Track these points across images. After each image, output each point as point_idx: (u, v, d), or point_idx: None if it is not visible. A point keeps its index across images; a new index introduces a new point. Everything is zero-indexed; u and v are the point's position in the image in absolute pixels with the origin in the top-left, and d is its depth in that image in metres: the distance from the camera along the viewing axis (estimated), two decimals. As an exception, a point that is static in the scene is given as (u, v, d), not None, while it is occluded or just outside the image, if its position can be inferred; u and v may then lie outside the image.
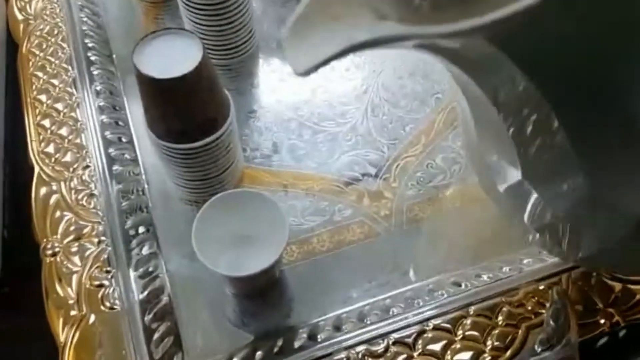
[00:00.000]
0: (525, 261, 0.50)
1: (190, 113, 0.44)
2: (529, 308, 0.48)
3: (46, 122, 0.56)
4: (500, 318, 0.47)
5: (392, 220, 0.53)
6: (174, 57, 0.42)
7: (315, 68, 0.26)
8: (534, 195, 0.38)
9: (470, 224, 0.53)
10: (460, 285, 0.48)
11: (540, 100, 0.28)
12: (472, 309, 0.47)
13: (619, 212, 0.34)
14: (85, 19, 0.63)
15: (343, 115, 0.60)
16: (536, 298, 0.48)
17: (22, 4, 0.65)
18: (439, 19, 0.22)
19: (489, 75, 0.30)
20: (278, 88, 0.62)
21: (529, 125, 0.33)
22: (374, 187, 0.55)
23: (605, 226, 0.37)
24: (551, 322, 0.46)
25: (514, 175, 0.38)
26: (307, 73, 0.27)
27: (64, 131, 0.56)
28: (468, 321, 0.46)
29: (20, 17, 0.64)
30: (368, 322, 0.46)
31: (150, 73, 0.41)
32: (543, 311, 0.48)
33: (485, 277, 0.49)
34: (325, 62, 0.26)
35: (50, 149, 0.54)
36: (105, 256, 0.48)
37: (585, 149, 0.30)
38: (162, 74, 0.41)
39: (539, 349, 0.45)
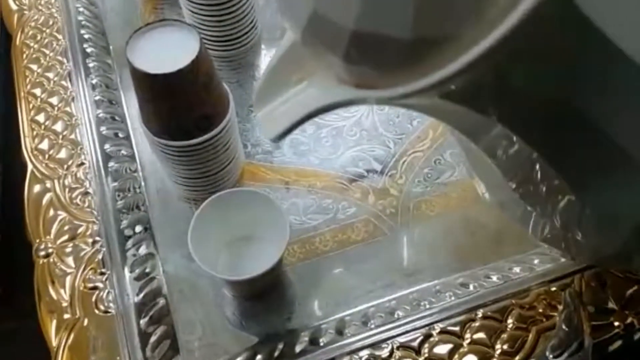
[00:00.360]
0: (536, 261, 0.48)
1: (187, 109, 0.42)
2: (540, 310, 0.46)
3: (40, 117, 0.54)
4: (510, 321, 0.45)
5: (398, 218, 0.51)
6: (170, 50, 0.40)
7: (283, 135, 0.30)
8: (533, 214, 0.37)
9: (479, 222, 0.51)
10: (468, 287, 0.46)
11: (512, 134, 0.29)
12: (480, 312, 0.45)
13: (617, 220, 0.33)
14: (81, 9, 0.61)
15: (347, 108, 0.58)
16: (547, 300, 0.46)
17: (16, -8, 0.63)
18: (393, 81, 0.24)
19: (460, 120, 0.32)
20: (280, 81, 0.60)
21: (510, 157, 0.32)
22: (379, 184, 0.53)
23: (606, 233, 0.35)
24: (563, 326, 0.44)
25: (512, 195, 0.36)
26: (277, 140, 0.30)
27: (58, 126, 0.54)
28: (476, 324, 0.45)
29: (14, 7, 0.62)
30: (372, 325, 0.44)
31: (144, 68, 0.39)
32: (555, 313, 0.46)
33: (494, 278, 0.47)
34: (290, 129, 0.29)
35: (44, 145, 0.53)
36: (100, 257, 0.47)
37: (564, 169, 0.30)
38: (157, 69, 0.39)
39: (551, 355, 0.43)
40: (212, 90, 0.43)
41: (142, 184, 0.52)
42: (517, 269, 0.47)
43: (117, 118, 0.55)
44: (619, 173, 0.30)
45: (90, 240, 0.47)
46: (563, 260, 0.47)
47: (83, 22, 0.60)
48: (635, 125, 0.27)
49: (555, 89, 0.25)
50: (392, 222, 0.51)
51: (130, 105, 0.56)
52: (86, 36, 0.59)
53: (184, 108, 0.42)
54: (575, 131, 0.28)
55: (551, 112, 0.27)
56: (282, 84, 0.31)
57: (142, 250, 0.47)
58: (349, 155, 0.55)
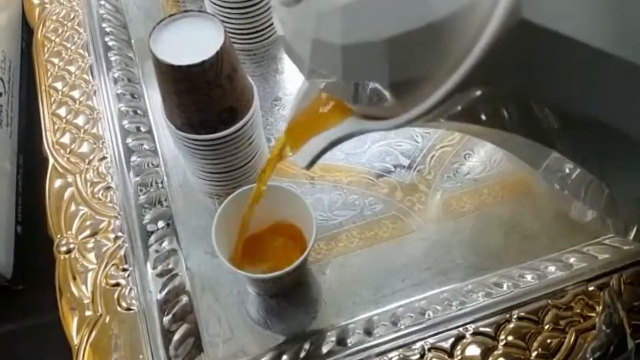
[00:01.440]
0: (572, 260, 0.46)
1: (210, 102, 0.41)
2: (578, 311, 0.44)
3: (62, 111, 0.54)
4: (546, 322, 0.43)
5: (426, 215, 0.49)
6: (194, 42, 0.39)
7: (313, 163, 0.34)
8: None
9: (512, 219, 0.49)
10: (502, 287, 0.44)
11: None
12: (515, 312, 0.43)
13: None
14: (102, 3, 0.60)
15: (373, 102, 0.56)
16: (585, 300, 0.44)
17: (38, -14, 0.62)
18: (392, 114, 0.28)
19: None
20: (304, 72, 0.58)
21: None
22: (407, 180, 0.51)
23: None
24: (604, 328, 0.42)
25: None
26: (308, 167, 0.35)
27: (80, 120, 0.53)
28: (511, 325, 0.43)
29: (36, 1, 0.61)
30: (402, 326, 0.43)
31: (167, 59, 0.38)
32: (593, 314, 0.44)
33: (529, 277, 0.45)
34: (317, 157, 0.34)
35: (66, 139, 0.52)
36: (122, 253, 0.46)
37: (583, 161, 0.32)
38: (180, 61, 0.38)
39: (592, 358, 0.41)
40: (237, 83, 0.42)
41: (165, 178, 0.51)
42: (552, 268, 0.45)
43: (139, 112, 0.54)
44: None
45: (112, 235, 0.46)
46: (601, 258, 0.45)
47: (104, 16, 0.59)
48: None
49: (544, 95, 0.26)
50: (421, 219, 0.49)
51: (153, 99, 0.55)
52: (107, 29, 0.58)
53: (207, 101, 0.41)
54: (580, 129, 0.28)
55: (555, 114, 0.28)
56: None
57: (165, 246, 0.46)
58: (375, 149, 0.53)
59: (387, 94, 0.27)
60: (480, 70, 0.23)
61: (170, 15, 0.40)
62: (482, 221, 0.49)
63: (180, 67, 0.38)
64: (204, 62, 0.38)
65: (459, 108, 0.27)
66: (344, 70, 0.27)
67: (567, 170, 0.36)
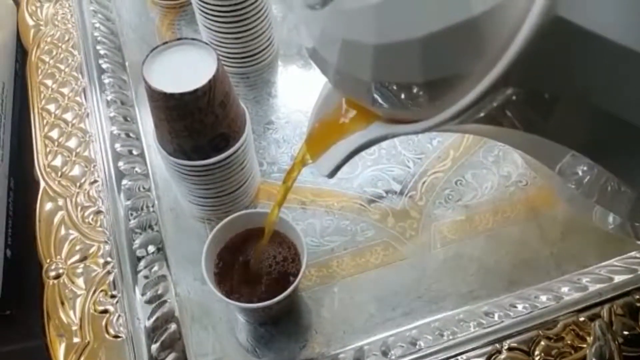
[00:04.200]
0: (563, 289, 0.46)
1: (203, 129, 0.41)
2: (569, 342, 0.44)
3: (54, 133, 0.53)
4: (537, 353, 0.43)
5: (418, 241, 0.49)
6: (187, 70, 0.39)
7: (336, 171, 0.33)
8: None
9: (504, 247, 0.49)
10: (493, 316, 0.44)
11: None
12: (506, 343, 0.43)
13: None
14: (97, 25, 0.60)
15: (366, 127, 0.56)
16: (576, 330, 0.44)
17: (33, 8, 0.62)
18: (419, 117, 0.27)
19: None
20: (297, 97, 0.59)
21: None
22: (398, 206, 0.51)
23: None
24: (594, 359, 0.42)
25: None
26: (331, 175, 0.34)
27: (72, 143, 0.53)
28: (502, 356, 0.43)
29: (31, 22, 0.61)
30: (392, 356, 0.42)
31: (160, 87, 0.38)
32: (584, 345, 0.44)
33: (520, 306, 0.45)
34: (340, 165, 0.33)
35: (57, 161, 0.52)
36: (111, 279, 0.45)
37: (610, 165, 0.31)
38: (173, 88, 0.38)
39: (581, 390, 0.41)
40: (229, 110, 0.42)
41: (156, 202, 0.51)
42: (543, 298, 0.45)
43: (131, 135, 0.54)
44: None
45: (101, 261, 0.46)
46: (591, 289, 0.45)
47: (99, 38, 0.59)
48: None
49: (573, 96, 0.26)
50: (413, 246, 0.49)
51: (145, 122, 0.55)
52: (102, 52, 0.58)
53: (199, 127, 0.41)
54: (610, 131, 0.28)
55: (581, 115, 0.27)
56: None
57: (155, 271, 0.46)
58: (367, 175, 0.53)
59: (420, 94, 0.26)
60: (516, 68, 0.23)
61: (164, 43, 0.41)
62: (473, 249, 0.49)
63: (172, 94, 0.38)
64: (196, 90, 0.38)
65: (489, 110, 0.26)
66: (376, 70, 0.26)
67: (581, 173, 0.36)
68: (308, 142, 0.36)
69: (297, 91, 0.59)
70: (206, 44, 0.40)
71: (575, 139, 0.30)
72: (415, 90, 0.26)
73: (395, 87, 0.27)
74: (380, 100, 0.28)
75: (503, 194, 0.51)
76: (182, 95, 0.38)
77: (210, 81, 0.38)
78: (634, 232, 0.40)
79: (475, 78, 0.24)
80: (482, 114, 0.26)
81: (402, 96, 0.27)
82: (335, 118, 0.33)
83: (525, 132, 0.29)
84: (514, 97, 0.25)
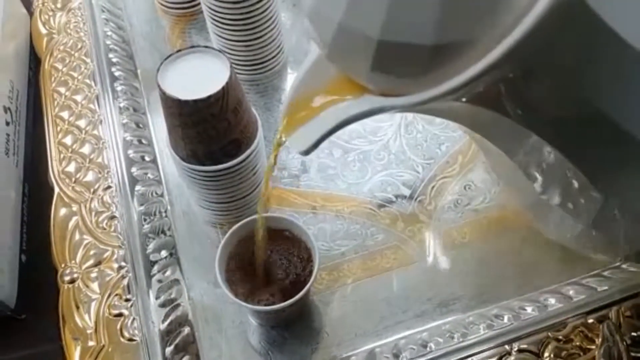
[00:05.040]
0: (571, 292, 0.46)
1: (215, 135, 0.42)
2: (577, 344, 0.44)
3: (67, 140, 0.54)
4: (546, 355, 0.43)
5: (428, 246, 0.50)
6: (200, 77, 0.40)
7: (313, 148, 0.31)
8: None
9: (512, 250, 0.49)
10: (502, 319, 0.45)
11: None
12: (515, 345, 0.44)
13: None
14: (109, 33, 0.61)
15: (375, 132, 0.57)
16: (585, 332, 0.44)
17: (46, 17, 0.64)
18: (416, 88, 0.26)
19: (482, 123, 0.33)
20: (307, 104, 0.59)
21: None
22: (408, 210, 0.52)
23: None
24: (603, 361, 0.42)
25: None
26: (307, 152, 0.31)
27: (85, 149, 0.54)
28: (511, 358, 0.43)
29: (43, 30, 0.63)
30: (404, 358, 0.43)
31: (174, 94, 0.39)
32: (592, 347, 0.44)
33: (529, 309, 0.45)
34: (320, 141, 0.30)
35: (71, 167, 0.52)
36: (126, 283, 0.46)
37: (588, 169, 0.31)
38: (187, 95, 0.39)
39: (591, 392, 0.41)
40: (242, 116, 0.43)
41: (168, 207, 0.52)
42: (552, 300, 0.46)
43: (144, 141, 0.55)
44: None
45: (115, 265, 0.47)
46: (600, 290, 0.46)
47: (111, 46, 0.60)
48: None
49: (572, 89, 0.26)
50: (422, 250, 0.50)
51: (157, 129, 0.56)
52: (114, 60, 0.59)
53: (212, 134, 0.42)
54: (597, 130, 0.28)
55: (572, 111, 0.27)
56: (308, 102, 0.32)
57: (168, 275, 0.47)
58: (377, 179, 0.54)
59: (423, 60, 0.25)
60: (526, 42, 0.22)
61: (178, 51, 0.41)
62: (482, 252, 0.49)
63: (187, 101, 0.39)
64: (210, 96, 0.39)
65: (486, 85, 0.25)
66: (386, 27, 0.25)
67: (548, 175, 0.35)
68: (289, 114, 0.33)
69: (307, 97, 0.60)
70: (219, 51, 0.41)
71: (557, 132, 0.29)
72: (419, 55, 0.25)
73: (400, 50, 0.25)
74: (381, 65, 0.26)
75: (511, 198, 0.52)
76: (195, 102, 0.39)
77: (223, 88, 0.39)
78: (592, 242, 0.40)
79: (483, 48, 0.23)
80: (480, 89, 0.26)
81: (405, 62, 0.26)
82: (320, 90, 0.32)
83: (510, 121, 0.29)
84: (513, 74, 0.25)
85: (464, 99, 0.28)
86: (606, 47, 0.24)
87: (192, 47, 0.42)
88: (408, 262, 0.49)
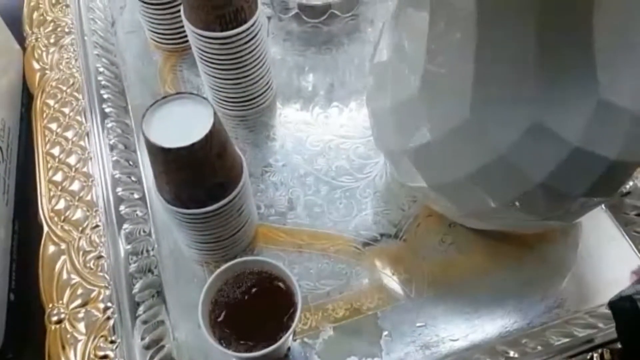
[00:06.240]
0: (552, 336, 0.47)
1: (200, 180, 0.42)
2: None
3: (58, 177, 0.55)
4: (528, 398, 0.44)
5: (412, 285, 0.50)
6: (185, 123, 0.41)
7: None
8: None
9: (496, 291, 0.49)
10: (485, 363, 0.45)
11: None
12: (497, 389, 0.44)
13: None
14: (102, 70, 0.62)
15: (361, 169, 0.58)
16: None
17: (39, 52, 0.65)
18: None
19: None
20: (295, 140, 0.60)
21: None
22: (393, 249, 0.52)
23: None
24: (584, 406, 0.43)
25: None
26: None
27: (75, 187, 0.54)
28: (493, 402, 0.43)
29: (36, 66, 0.64)
30: (385, 401, 0.43)
31: (158, 141, 0.39)
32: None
33: (511, 353, 0.45)
34: None
35: (61, 205, 0.53)
36: (111, 324, 0.46)
37: None
38: (171, 142, 0.39)
39: None
40: (226, 160, 0.43)
41: (155, 245, 0.52)
42: (533, 344, 0.46)
43: (133, 179, 0.55)
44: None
45: (102, 306, 0.47)
46: (581, 335, 0.46)
47: (103, 82, 0.61)
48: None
49: None
50: (407, 289, 0.50)
51: (147, 166, 0.56)
52: (105, 96, 0.60)
53: (197, 179, 0.42)
54: None
55: None
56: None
57: (153, 316, 0.47)
58: (362, 217, 0.54)
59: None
60: None
61: (163, 97, 0.42)
62: (467, 293, 0.49)
63: (170, 149, 0.39)
64: (193, 144, 0.40)
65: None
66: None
67: None
68: None
69: (295, 134, 0.60)
70: (204, 98, 0.42)
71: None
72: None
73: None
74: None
75: (496, 237, 0.52)
76: (178, 149, 0.39)
77: (206, 135, 0.40)
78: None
79: None
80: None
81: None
82: None
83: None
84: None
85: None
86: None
87: (178, 93, 0.42)
88: (392, 302, 0.49)
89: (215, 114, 0.41)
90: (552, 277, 0.50)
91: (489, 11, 0.32)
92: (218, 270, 0.44)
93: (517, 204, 0.40)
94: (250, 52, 0.54)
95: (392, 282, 0.50)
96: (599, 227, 0.52)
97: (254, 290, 0.44)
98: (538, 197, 0.39)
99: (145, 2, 0.62)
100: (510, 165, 0.37)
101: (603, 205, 0.53)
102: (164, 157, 0.40)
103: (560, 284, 0.49)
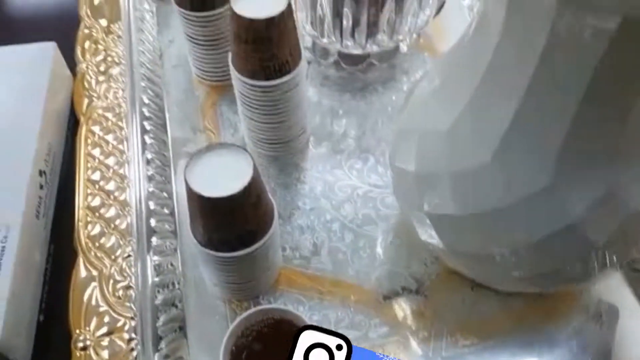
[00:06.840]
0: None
1: (233, 227, 0.44)
2: None
3: (95, 203, 0.57)
4: None
5: (430, 344, 0.51)
6: (225, 172, 0.42)
7: None
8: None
9: (516, 354, 0.50)
10: None
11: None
12: None
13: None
14: (147, 102, 0.65)
15: (387, 219, 0.58)
16: None
17: (89, 80, 0.67)
18: None
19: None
20: (324, 184, 0.61)
21: None
22: (414, 304, 0.53)
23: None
24: None
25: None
26: None
27: (110, 213, 0.56)
28: None
29: (85, 93, 0.66)
30: None
31: (199, 189, 0.41)
32: None
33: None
34: None
35: (96, 231, 0.55)
36: (134, 355, 0.48)
37: None
38: (211, 192, 0.41)
39: None
40: (259, 209, 0.45)
41: (181, 279, 0.54)
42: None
43: (166, 211, 0.57)
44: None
45: (127, 336, 0.49)
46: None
47: (147, 114, 0.63)
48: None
49: None
50: (425, 347, 0.51)
51: (182, 198, 0.58)
52: (148, 127, 0.62)
53: (230, 225, 0.44)
54: None
55: None
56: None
57: (173, 351, 0.48)
58: (385, 269, 0.55)
59: None
60: None
61: (206, 147, 0.44)
62: (485, 354, 0.50)
63: (209, 198, 0.41)
64: (232, 195, 0.41)
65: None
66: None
67: None
68: None
69: (325, 178, 0.61)
70: (244, 150, 0.44)
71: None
72: None
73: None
74: None
75: (517, 298, 0.52)
76: (217, 199, 0.41)
77: (245, 188, 0.41)
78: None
79: None
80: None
81: None
82: None
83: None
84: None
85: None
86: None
87: (220, 144, 0.44)
88: (410, 359, 0.50)
89: (255, 166, 0.43)
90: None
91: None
92: (239, 318, 0.45)
93: (568, 268, 0.41)
94: (290, 100, 0.56)
95: (410, 338, 0.51)
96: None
97: (274, 338, 0.45)
98: (592, 261, 0.40)
99: (192, 40, 0.64)
100: (578, 231, 0.38)
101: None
102: (202, 204, 0.42)
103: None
